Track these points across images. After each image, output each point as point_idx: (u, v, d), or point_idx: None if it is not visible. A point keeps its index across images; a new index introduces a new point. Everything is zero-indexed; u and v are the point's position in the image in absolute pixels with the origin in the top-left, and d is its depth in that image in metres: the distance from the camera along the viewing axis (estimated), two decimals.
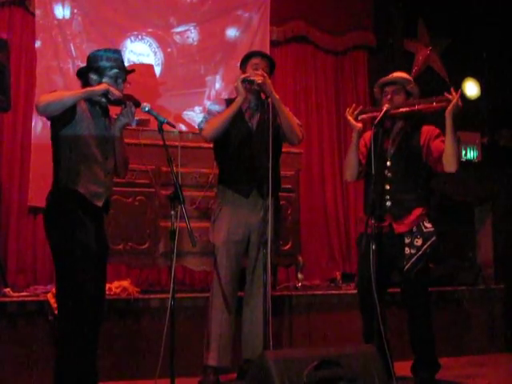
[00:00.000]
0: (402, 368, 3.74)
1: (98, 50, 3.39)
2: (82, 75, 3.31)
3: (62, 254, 3.12)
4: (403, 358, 3.85)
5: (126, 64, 3.42)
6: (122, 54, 4.76)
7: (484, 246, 6.09)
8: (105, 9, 4.94)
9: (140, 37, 5.00)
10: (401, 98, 3.74)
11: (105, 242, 3.31)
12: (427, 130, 3.74)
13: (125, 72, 3.31)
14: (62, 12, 4.85)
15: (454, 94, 3.53)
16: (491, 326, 5.17)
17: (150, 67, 5.20)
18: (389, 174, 3.71)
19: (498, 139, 6.27)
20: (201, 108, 5.14)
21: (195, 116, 5.07)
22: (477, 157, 6.27)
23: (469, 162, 6.19)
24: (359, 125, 3.72)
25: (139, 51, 4.99)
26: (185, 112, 5.19)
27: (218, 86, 5.32)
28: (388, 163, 3.72)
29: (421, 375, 3.69)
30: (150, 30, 5.03)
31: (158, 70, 5.09)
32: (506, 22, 6.16)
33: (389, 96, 3.73)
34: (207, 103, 5.07)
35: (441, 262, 5.29)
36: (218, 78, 5.40)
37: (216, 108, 3.80)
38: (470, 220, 6.18)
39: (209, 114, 3.79)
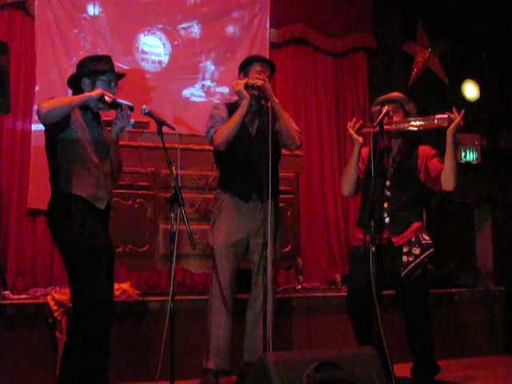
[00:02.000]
0: (402, 370, 3.74)
1: (89, 57, 3.42)
2: (73, 82, 3.33)
3: (73, 257, 3.13)
4: (403, 359, 3.85)
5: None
6: (138, 45, 5.42)
7: (483, 247, 6.09)
8: (122, 8, 5.51)
9: (152, 31, 5.61)
10: (399, 116, 3.75)
11: (110, 243, 3.33)
12: (423, 151, 3.77)
13: (116, 76, 3.34)
14: (93, 9, 5.39)
15: (456, 113, 3.53)
16: (490, 328, 5.17)
17: (141, 72, 5.46)
18: (388, 193, 3.73)
19: (498, 141, 6.28)
20: (200, 85, 5.74)
21: (195, 91, 5.71)
22: (476, 159, 6.27)
23: (468, 163, 6.19)
24: (361, 139, 3.72)
25: (151, 43, 5.60)
26: (186, 89, 5.68)
27: (212, 68, 5.81)
28: (387, 182, 3.74)
29: (420, 377, 3.69)
30: (160, 26, 5.62)
31: (166, 59, 5.66)
32: (505, 24, 6.17)
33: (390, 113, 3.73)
34: (206, 84, 5.71)
35: (440, 264, 5.29)
36: (213, 64, 5.80)
37: (219, 113, 3.81)
38: (469, 222, 6.19)
39: (213, 119, 3.80)
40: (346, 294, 4.75)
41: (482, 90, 6.30)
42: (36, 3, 5.09)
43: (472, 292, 5.22)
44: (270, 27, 5.90)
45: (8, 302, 3.97)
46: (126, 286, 4.25)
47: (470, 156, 6.27)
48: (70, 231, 3.12)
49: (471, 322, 5.11)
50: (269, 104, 3.57)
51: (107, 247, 3.25)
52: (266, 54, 5.59)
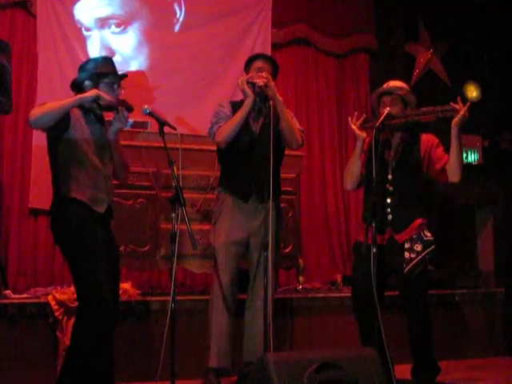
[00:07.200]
0: (403, 371, 3.74)
1: (91, 59, 3.41)
2: (76, 86, 3.30)
3: (74, 260, 3.14)
4: (403, 361, 3.85)
5: None
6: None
7: (485, 249, 6.09)
8: None
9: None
10: (398, 107, 3.72)
11: (114, 244, 3.33)
12: (426, 140, 3.74)
13: (119, 78, 3.32)
14: None
15: (461, 104, 3.51)
16: (491, 329, 5.16)
17: (142, 74, 5.46)
18: (390, 188, 3.70)
19: (499, 142, 6.28)
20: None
21: None
22: (478, 160, 6.27)
23: (470, 165, 6.19)
24: (364, 134, 3.71)
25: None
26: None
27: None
28: (389, 176, 3.71)
29: (421, 378, 3.69)
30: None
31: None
32: (507, 25, 6.17)
33: (387, 106, 3.70)
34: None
35: (441, 265, 5.29)
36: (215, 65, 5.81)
37: (223, 110, 3.81)
38: (470, 223, 6.18)
39: (216, 116, 3.80)
40: (346, 294, 4.79)
41: (483, 91, 6.30)
42: (38, 3, 5.09)
43: (473, 293, 5.21)
44: (272, 28, 5.89)
45: (9, 301, 3.97)
46: (126, 286, 4.24)
47: (472, 157, 6.27)
48: (70, 235, 3.12)
49: (472, 324, 5.10)
50: (271, 103, 3.57)
51: (110, 249, 3.24)
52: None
